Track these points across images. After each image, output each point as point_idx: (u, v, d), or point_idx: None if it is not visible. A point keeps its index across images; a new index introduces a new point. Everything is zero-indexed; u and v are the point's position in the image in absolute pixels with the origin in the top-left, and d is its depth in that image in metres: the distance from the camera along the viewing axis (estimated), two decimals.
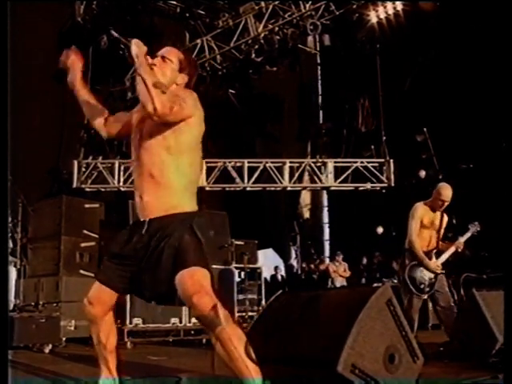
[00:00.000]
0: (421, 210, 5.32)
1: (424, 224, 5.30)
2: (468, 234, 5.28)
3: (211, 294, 2.49)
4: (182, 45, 13.06)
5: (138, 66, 2.57)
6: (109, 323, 2.89)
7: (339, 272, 12.22)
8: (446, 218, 5.44)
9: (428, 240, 5.31)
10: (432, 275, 5.12)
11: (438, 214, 5.36)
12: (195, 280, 2.51)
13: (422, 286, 5.11)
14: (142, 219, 2.73)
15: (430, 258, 5.22)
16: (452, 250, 5.23)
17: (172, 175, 2.70)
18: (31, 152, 10.67)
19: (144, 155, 2.73)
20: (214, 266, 6.51)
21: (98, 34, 12.63)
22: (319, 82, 16.79)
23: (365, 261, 12.93)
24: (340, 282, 12.14)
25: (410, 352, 2.76)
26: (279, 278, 13.89)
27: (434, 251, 5.26)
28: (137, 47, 2.60)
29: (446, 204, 5.29)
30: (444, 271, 5.21)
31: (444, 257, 5.23)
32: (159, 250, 2.63)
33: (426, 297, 5.25)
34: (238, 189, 12.29)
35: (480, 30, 10.49)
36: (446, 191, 5.29)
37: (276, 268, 14.43)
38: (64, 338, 6.60)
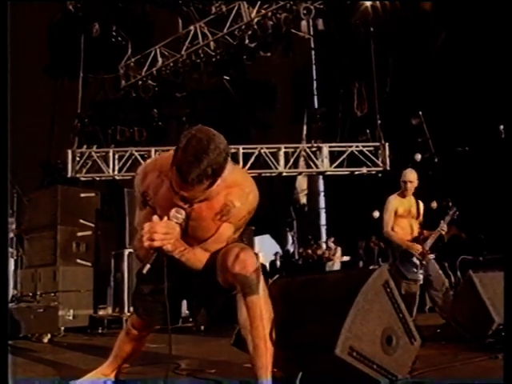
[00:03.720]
0: (393, 202, 5.44)
1: (401, 214, 5.40)
2: (448, 218, 5.30)
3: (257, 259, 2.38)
4: (176, 31, 13.02)
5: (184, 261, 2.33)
6: (144, 340, 2.88)
7: (329, 256, 12.28)
8: (421, 205, 5.52)
9: (409, 229, 5.40)
10: (422, 258, 5.17)
11: (413, 201, 5.47)
12: (241, 245, 2.41)
13: (415, 271, 5.16)
14: None
15: (418, 243, 5.27)
16: (437, 234, 5.28)
17: None
18: (25, 142, 10.63)
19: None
20: None
21: (90, 22, 12.53)
22: (313, 66, 16.73)
23: (362, 245, 12.97)
24: (333, 266, 12.20)
25: (407, 334, 2.77)
26: (280, 262, 13.96)
27: (421, 237, 5.32)
28: (169, 244, 2.23)
29: (411, 185, 5.40)
30: (433, 255, 5.25)
31: (430, 241, 5.27)
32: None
33: (421, 281, 5.28)
34: None
35: (475, 12, 10.45)
36: (407, 172, 5.47)
37: (276, 254, 14.50)
38: (62, 328, 6.63)
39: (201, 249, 2.40)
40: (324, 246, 14.59)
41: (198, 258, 2.39)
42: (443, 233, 5.32)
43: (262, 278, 2.34)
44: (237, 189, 2.39)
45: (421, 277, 5.18)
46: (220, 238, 2.40)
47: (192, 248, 2.37)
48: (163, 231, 2.20)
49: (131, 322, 2.83)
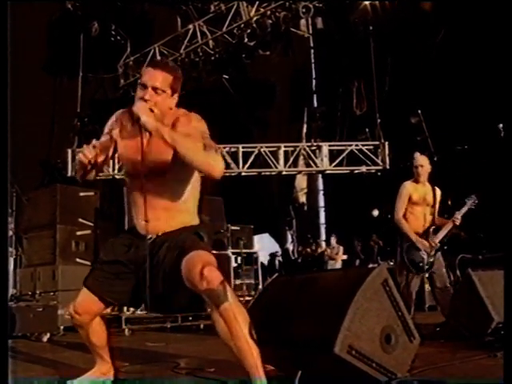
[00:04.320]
0: (407, 188, 5.30)
1: (415, 201, 5.26)
2: (465, 208, 5.17)
3: (219, 270, 2.45)
4: (174, 30, 13.01)
5: (170, 141, 2.46)
6: (97, 325, 2.84)
7: (331, 255, 12.26)
8: (438, 192, 5.37)
9: (423, 218, 5.25)
10: (430, 252, 5.11)
11: (429, 188, 5.32)
12: (204, 257, 2.47)
13: (421, 265, 5.07)
14: (147, 236, 2.66)
15: (428, 236, 5.16)
16: (449, 225, 5.16)
17: (185, 203, 2.70)
18: (24, 142, 10.62)
19: (153, 187, 2.62)
20: None
21: (89, 21, 12.52)
22: (312, 65, 16.72)
23: (361, 244, 12.98)
24: (333, 265, 12.20)
25: (406, 332, 2.77)
26: (279, 262, 13.97)
27: (432, 228, 5.21)
28: (147, 115, 2.50)
29: (422, 170, 5.28)
30: (440, 248, 5.17)
31: (441, 234, 5.17)
32: (161, 252, 2.60)
33: (426, 275, 5.24)
34: (233, 174, 12.26)
35: (474, 11, 10.44)
36: (417, 157, 5.40)
37: (274, 253, 14.51)
38: (62, 327, 6.61)
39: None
40: (323, 244, 14.60)
41: (178, 134, 2.52)
42: (457, 224, 5.15)
43: (227, 286, 2.41)
44: (184, 117, 2.68)
45: (426, 270, 5.11)
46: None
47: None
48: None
49: (72, 309, 2.79)
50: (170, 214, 2.66)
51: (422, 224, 5.25)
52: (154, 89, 2.61)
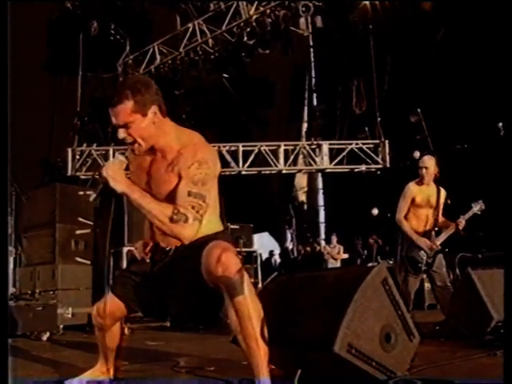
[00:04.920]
0: (411, 189, 5.26)
1: (418, 203, 5.23)
2: (470, 213, 5.16)
3: (238, 258, 2.39)
4: (174, 29, 13.00)
5: (136, 205, 2.42)
6: (116, 329, 2.84)
7: (333, 254, 12.26)
8: (443, 193, 5.34)
9: (425, 219, 5.23)
10: (430, 253, 5.10)
11: (433, 190, 5.29)
12: (223, 244, 2.41)
13: (420, 265, 5.07)
14: (166, 248, 2.61)
15: (430, 237, 5.15)
16: (452, 229, 5.14)
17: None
18: (24, 141, 10.63)
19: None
20: None
21: (88, 20, 12.52)
22: (312, 64, 16.71)
23: (360, 242, 12.98)
24: (334, 264, 12.19)
25: (406, 331, 2.77)
26: (275, 261, 13.96)
27: (435, 229, 5.20)
28: (114, 180, 2.43)
29: (426, 172, 5.22)
30: (441, 249, 5.16)
31: (443, 236, 5.16)
32: (183, 264, 2.54)
33: (424, 276, 5.23)
34: (233, 173, 12.27)
35: (474, 9, 10.43)
36: (424, 158, 5.35)
37: (271, 252, 14.50)
38: (61, 326, 6.62)
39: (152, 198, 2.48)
40: (323, 243, 14.59)
41: (147, 200, 2.44)
42: (460, 228, 5.12)
43: (246, 276, 2.34)
44: (190, 147, 2.51)
45: (424, 271, 5.11)
46: (176, 193, 2.46)
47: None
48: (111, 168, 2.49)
49: (96, 310, 2.78)
50: None
51: (423, 225, 5.23)
52: (124, 125, 2.49)
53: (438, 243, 5.14)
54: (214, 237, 2.54)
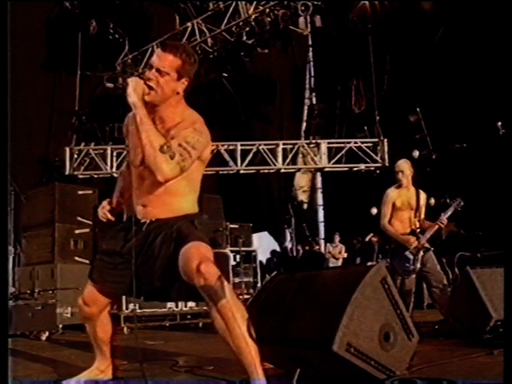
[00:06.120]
0: (391, 195, 5.37)
1: (399, 206, 5.33)
2: (450, 210, 5.21)
3: (215, 265, 2.45)
4: (173, 28, 12.99)
5: (138, 121, 2.50)
6: (105, 318, 2.88)
7: (335, 254, 12.25)
8: (423, 195, 5.42)
9: (408, 222, 5.32)
10: (415, 251, 5.13)
11: (413, 193, 5.37)
12: (201, 251, 2.48)
13: (408, 265, 5.12)
14: (141, 220, 2.69)
15: (415, 237, 5.21)
16: (435, 227, 5.21)
17: (182, 191, 2.69)
18: (22, 140, 10.61)
19: (150, 175, 2.58)
20: None
21: (87, 19, 12.49)
22: (311, 63, 16.70)
23: (357, 242, 12.96)
24: (336, 263, 12.18)
25: (404, 330, 2.77)
26: (274, 260, 13.94)
27: (418, 231, 5.26)
28: (133, 90, 2.52)
29: (402, 176, 5.32)
30: (428, 249, 5.20)
31: (427, 235, 5.21)
32: (157, 242, 2.61)
33: (413, 276, 5.25)
34: (231, 172, 12.26)
35: (473, 9, 10.43)
36: (399, 162, 5.46)
37: (273, 252, 14.48)
38: (60, 325, 6.62)
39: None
40: (322, 242, 14.58)
41: (149, 122, 2.53)
42: (442, 226, 5.23)
43: (225, 281, 2.40)
44: (189, 120, 2.65)
45: (413, 271, 5.13)
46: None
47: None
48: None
49: (81, 300, 2.83)
50: (167, 200, 2.67)
51: (407, 227, 5.31)
52: (158, 70, 2.61)
53: (422, 242, 5.18)
54: (191, 222, 2.64)
